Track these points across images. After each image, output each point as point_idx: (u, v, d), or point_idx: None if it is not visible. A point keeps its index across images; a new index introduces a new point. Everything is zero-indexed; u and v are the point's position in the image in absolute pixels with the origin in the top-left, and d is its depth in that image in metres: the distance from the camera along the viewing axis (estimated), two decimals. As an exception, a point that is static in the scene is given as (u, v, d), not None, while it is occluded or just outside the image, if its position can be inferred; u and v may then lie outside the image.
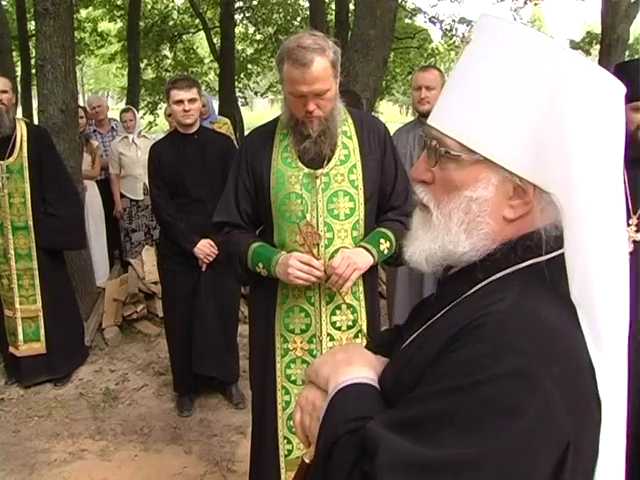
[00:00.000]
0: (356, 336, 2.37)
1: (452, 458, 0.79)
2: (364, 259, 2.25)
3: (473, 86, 0.95)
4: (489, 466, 0.78)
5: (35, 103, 5.21)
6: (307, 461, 1.12)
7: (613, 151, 0.92)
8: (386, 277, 4.29)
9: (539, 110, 0.90)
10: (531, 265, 0.95)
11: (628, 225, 2.45)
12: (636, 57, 12.27)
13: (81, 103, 7.01)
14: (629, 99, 2.45)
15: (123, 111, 6.55)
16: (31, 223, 4.08)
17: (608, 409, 0.90)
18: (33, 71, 12.07)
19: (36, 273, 4.17)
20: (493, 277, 0.97)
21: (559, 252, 0.94)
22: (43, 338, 4.25)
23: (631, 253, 2.45)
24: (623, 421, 0.94)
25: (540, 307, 0.90)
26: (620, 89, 0.92)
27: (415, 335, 1.05)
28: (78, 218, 4.38)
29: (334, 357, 1.12)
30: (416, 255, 1.03)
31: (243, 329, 4.40)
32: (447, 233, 0.98)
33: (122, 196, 6.28)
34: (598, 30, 12.17)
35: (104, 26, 20.45)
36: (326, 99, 2.18)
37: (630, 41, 12.07)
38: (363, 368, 1.07)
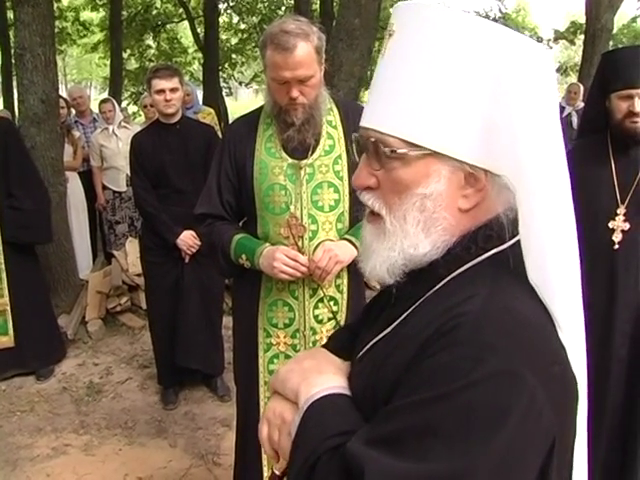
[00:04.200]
0: (335, 328, 2.33)
1: (440, 471, 0.76)
2: (347, 252, 2.22)
3: (405, 79, 0.90)
4: (479, 474, 0.76)
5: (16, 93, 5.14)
6: (278, 473, 1.07)
7: (550, 122, 0.90)
8: None
9: (483, 93, 0.87)
10: (495, 255, 0.92)
11: (616, 215, 2.46)
12: (621, 46, 12.31)
13: (63, 93, 6.92)
14: (616, 88, 2.47)
15: (102, 102, 6.45)
16: None
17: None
18: (13, 61, 11.92)
19: (2, 267, 4.11)
20: (457, 271, 0.93)
21: (519, 237, 0.91)
22: (11, 332, 4.19)
23: (620, 243, 2.46)
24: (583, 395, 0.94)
25: (511, 300, 0.88)
26: (545, 54, 0.90)
27: (379, 339, 0.99)
28: (44, 212, 4.27)
29: (301, 365, 1.06)
30: (377, 269, 0.96)
31: (228, 321, 4.37)
32: (405, 236, 0.93)
33: (105, 188, 6.20)
34: (582, 20, 12.19)
35: (86, 15, 20.26)
36: (310, 86, 2.13)
37: (614, 31, 12.11)
38: (334, 377, 1.02)
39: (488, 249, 0.92)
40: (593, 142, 2.54)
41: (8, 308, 4.17)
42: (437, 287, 0.93)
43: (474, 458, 0.76)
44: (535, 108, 0.87)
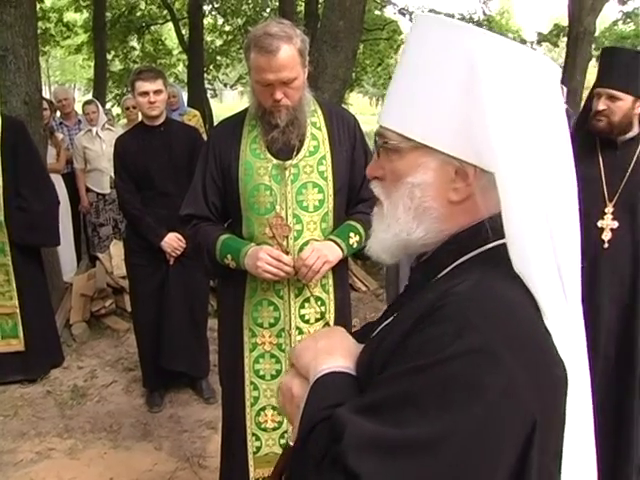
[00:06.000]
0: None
1: (415, 437, 0.80)
2: (334, 252, 2.25)
3: (403, 79, 1.01)
4: (451, 444, 0.79)
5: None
6: (291, 443, 1.13)
7: (539, 123, 0.93)
8: (386, 280, 4.21)
9: (458, 90, 0.92)
10: (493, 248, 0.97)
11: (604, 214, 2.47)
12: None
13: (47, 95, 6.87)
14: (595, 85, 2.49)
15: (86, 103, 6.41)
16: (2, 218, 3.95)
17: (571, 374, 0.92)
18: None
19: (10, 269, 4.04)
20: (459, 261, 0.99)
21: None
22: (21, 335, 4.13)
23: (609, 241, 2.47)
24: (586, 385, 0.97)
25: (498, 285, 0.92)
26: (545, 65, 0.95)
27: (387, 322, 1.06)
28: (52, 214, 4.23)
29: (316, 344, 1.13)
30: (373, 247, 1.07)
31: (213, 323, 4.35)
32: (396, 221, 1.01)
33: (89, 190, 6.16)
34: (565, 23, 12.30)
35: (70, 16, 20.08)
36: (294, 88, 2.15)
37: (596, 34, 12.23)
38: (341, 358, 1.08)
39: (488, 243, 0.97)
40: (581, 141, 2.54)
41: (18, 311, 4.11)
42: (440, 275, 1.00)
43: (446, 429, 0.79)
44: (513, 107, 0.91)
